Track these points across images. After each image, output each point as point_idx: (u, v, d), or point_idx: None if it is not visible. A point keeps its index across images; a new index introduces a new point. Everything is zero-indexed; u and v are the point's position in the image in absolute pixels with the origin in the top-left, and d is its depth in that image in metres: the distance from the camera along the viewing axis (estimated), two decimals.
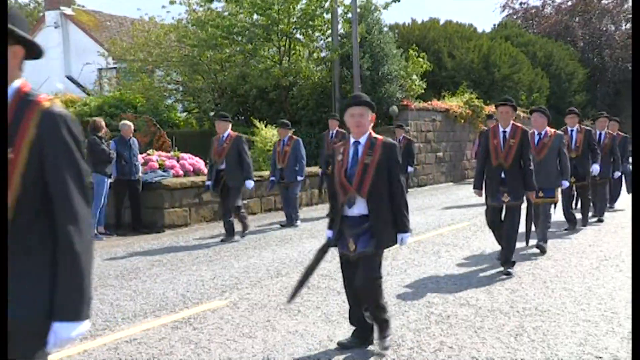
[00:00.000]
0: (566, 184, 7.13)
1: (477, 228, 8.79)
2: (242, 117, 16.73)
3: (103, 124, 9.17)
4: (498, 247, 7.37)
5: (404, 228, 3.86)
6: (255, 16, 15.56)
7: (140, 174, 9.47)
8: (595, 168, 8.41)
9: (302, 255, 7.08)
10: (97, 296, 5.47)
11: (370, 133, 3.90)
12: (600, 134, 9.43)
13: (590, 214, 9.13)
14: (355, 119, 3.86)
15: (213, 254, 7.31)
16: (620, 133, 10.22)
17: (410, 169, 12.12)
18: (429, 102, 17.87)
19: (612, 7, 34.30)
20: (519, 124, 6.03)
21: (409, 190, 13.19)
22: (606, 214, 9.86)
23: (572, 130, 8.37)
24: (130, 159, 9.20)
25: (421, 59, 17.75)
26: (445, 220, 9.67)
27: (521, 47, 27.32)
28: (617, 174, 9.70)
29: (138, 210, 9.36)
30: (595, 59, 33.63)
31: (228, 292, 5.48)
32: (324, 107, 15.98)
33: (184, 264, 6.80)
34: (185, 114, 17.66)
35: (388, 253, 7.14)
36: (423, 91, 17.84)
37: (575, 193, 8.85)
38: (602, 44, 33.79)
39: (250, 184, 8.27)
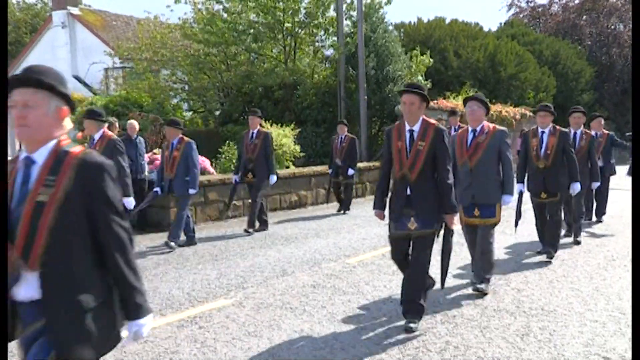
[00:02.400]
0: (509, 200, 5.25)
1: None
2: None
3: (116, 124, 9.14)
4: (504, 245, 7.34)
5: (135, 313, 2.19)
6: (260, 15, 15.58)
7: (146, 173, 9.50)
8: (576, 187, 6.56)
9: (308, 255, 7.08)
10: None
11: (58, 142, 2.14)
12: (574, 133, 7.61)
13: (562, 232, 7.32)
14: (18, 111, 2.08)
15: (219, 253, 7.32)
16: (605, 132, 9.08)
17: (351, 171, 10.58)
18: (435, 101, 17.83)
19: (621, 5, 34.09)
20: (432, 120, 4.45)
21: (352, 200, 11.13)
22: (613, 213, 9.79)
23: (542, 132, 6.50)
24: (137, 158, 9.23)
25: (424, 57, 17.70)
26: None
27: (527, 46, 27.21)
28: (595, 184, 7.87)
29: (144, 209, 9.37)
30: (603, 58, 33.43)
31: (234, 291, 5.49)
32: (330, 107, 15.98)
33: (190, 262, 6.82)
34: (190, 113, 17.71)
35: None
36: (428, 89, 17.81)
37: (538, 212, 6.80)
38: (610, 42, 33.60)
39: (129, 203, 6.52)
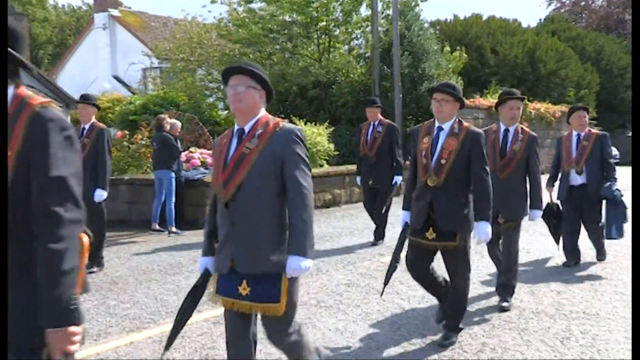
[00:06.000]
0: (298, 266, 2.59)
1: (521, 228, 8.56)
2: (282, 115, 16.86)
3: (168, 120, 9.23)
4: (548, 247, 7.13)
5: None
6: (294, 15, 15.66)
7: (182, 171, 9.66)
8: (483, 230, 3.90)
9: (342, 253, 7.07)
10: (141, 290, 5.61)
11: None
12: (504, 131, 4.91)
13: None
14: None
15: None
16: (593, 131, 6.33)
17: None
18: (471, 100, 17.56)
19: None
20: (40, 98, 1.90)
21: None
22: None
23: (439, 129, 3.95)
24: (179, 156, 9.40)
25: (457, 54, 17.44)
26: None
27: (569, 41, 26.55)
28: (535, 214, 4.94)
29: (180, 207, 9.52)
30: None
31: None
32: (365, 105, 15.93)
33: None
34: (226, 112, 17.92)
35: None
36: (462, 88, 17.58)
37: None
38: None
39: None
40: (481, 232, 3.86)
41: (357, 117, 15.84)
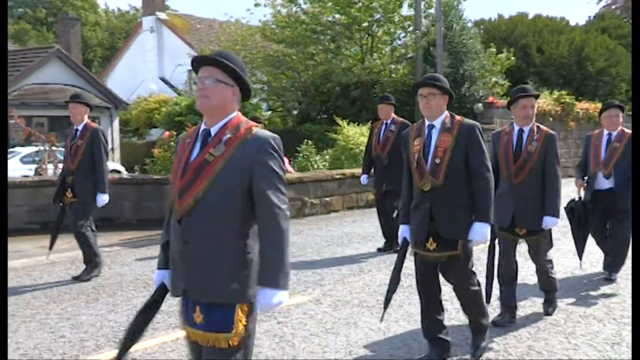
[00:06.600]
0: (269, 300, 2.30)
1: (568, 230, 8.35)
2: (325, 116, 16.95)
3: None
4: (596, 249, 6.96)
5: None
6: (337, 15, 15.75)
7: None
8: (479, 231, 3.48)
9: (385, 253, 7.07)
10: None
11: None
12: (519, 131, 4.39)
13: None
14: None
15: (296, 251, 7.47)
16: (626, 131, 5.58)
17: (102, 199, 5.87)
18: None
19: None
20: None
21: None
22: None
23: (430, 127, 3.61)
24: None
25: (503, 55, 17.15)
26: None
27: (620, 39, 25.71)
28: (550, 221, 4.28)
29: None
30: None
31: (311, 288, 5.58)
32: (407, 105, 15.84)
33: None
34: (269, 112, 18.16)
35: (478, 254, 6.98)
36: (506, 89, 17.26)
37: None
38: None
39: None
40: (477, 234, 3.42)
41: (400, 117, 15.80)
